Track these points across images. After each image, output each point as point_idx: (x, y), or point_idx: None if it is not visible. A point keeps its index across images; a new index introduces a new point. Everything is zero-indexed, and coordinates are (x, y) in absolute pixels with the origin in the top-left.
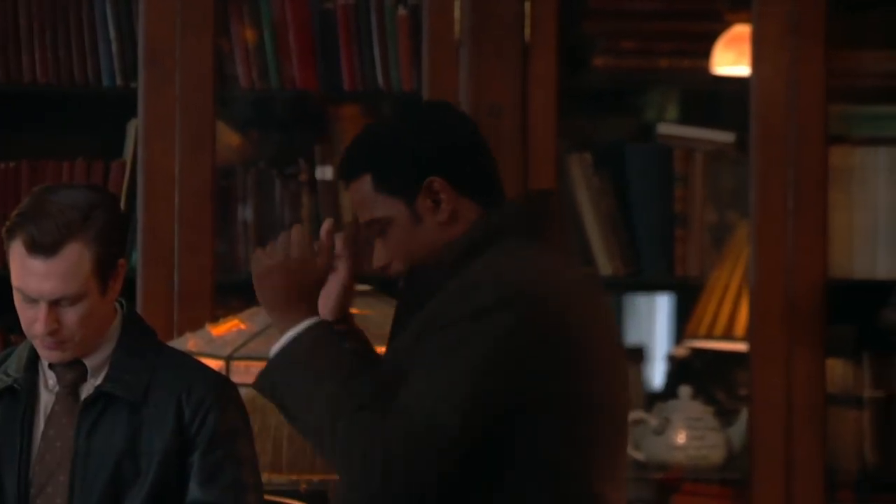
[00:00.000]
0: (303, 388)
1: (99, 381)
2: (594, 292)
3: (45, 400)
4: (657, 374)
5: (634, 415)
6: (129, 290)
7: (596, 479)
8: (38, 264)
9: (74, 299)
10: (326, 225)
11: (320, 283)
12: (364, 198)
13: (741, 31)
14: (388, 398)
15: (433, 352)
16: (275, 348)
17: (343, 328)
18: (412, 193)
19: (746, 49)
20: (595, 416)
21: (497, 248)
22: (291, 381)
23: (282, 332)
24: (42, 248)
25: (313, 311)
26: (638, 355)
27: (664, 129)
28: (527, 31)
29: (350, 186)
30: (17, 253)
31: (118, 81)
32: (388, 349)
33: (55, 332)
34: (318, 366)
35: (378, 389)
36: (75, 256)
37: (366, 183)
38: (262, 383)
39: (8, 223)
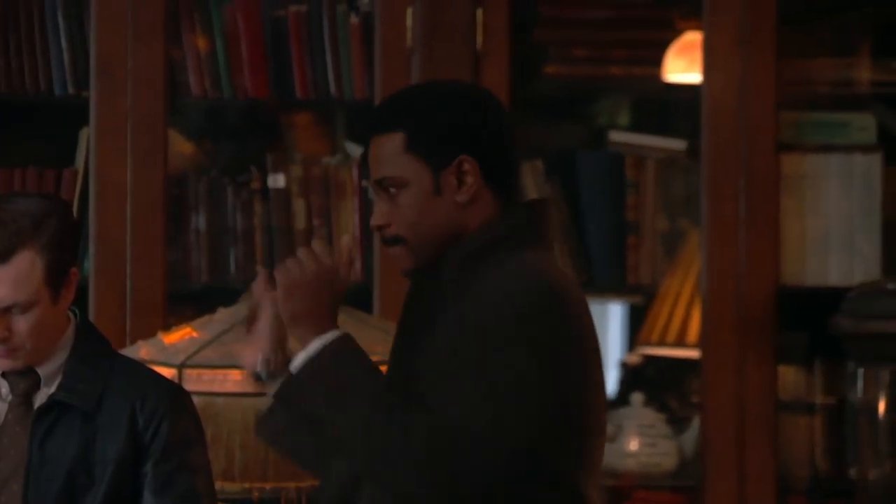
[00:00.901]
0: (339, 392)
1: (52, 389)
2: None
3: None
4: (609, 382)
5: None
6: (81, 299)
7: (584, 482)
8: None
9: (25, 307)
10: (347, 239)
11: (341, 295)
12: (389, 153)
13: (692, 39)
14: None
15: (481, 358)
16: (301, 358)
17: None
18: (441, 164)
19: (698, 57)
20: (593, 419)
21: (520, 251)
22: (326, 387)
23: (304, 344)
24: None
25: (334, 322)
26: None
27: (616, 136)
28: (479, 38)
29: (375, 139)
30: None
31: (70, 90)
32: (400, 351)
33: (6, 339)
34: (353, 371)
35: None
36: (27, 264)
37: (396, 139)
38: (290, 391)
39: None
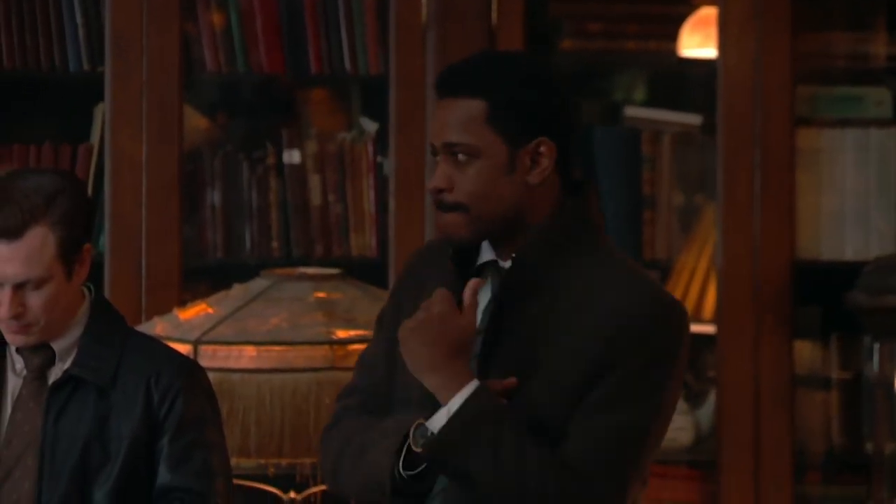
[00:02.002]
0: (485, 448)
1: (67, 365)
2: None
3: (13, 384)
4: None
5: None
6: (97, 275)
7: None
8: (2, 248)
9: (39, 283)
10: (472, 284)
11: (466, 340)
12: (465, 119)
13: (708, 14)
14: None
15: (621, 390)
16: (443, 415)
17: None
18: (520, 143)
19: (713, 32)
20: None
21: (605, 247)
22: (472, 445)
23: (436, 393)
24: (6, 232)
25: (466, 369)
26: None
27: (631, 111)
28: (493, 14)
29: (450, 101)
30: None
31: (85, 66)
32: (488, 350)
33: (20, 315)
34: (497, 426)
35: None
36: (39, 240)
37: (476, 107)
38: (438, 450)
39: None
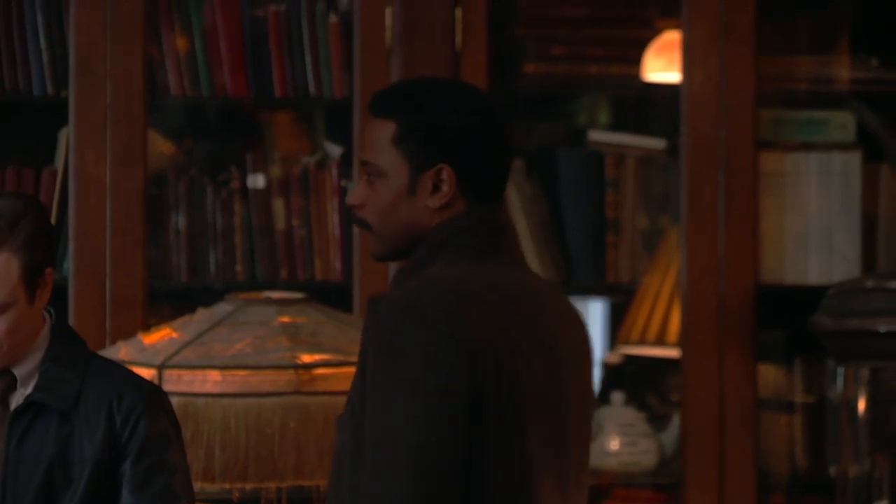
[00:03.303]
0: None
1: (28, 390)
2: (545, 299)
3: None
4: None
5: None
6: (61, 299)
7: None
8: None
9: (2, 308)
10: None
11: None
12: (377, 140)
13: (672, 38)
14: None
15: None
16: None
17: None
18: (422, 166)
19: (677, 56)
20: (533, 420)
21: (446, 264)
22: None
23: None
24: None
25: None
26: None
27: (595, 135)
28: (457, 37)
29: (371, 121)
30: None
31: (49, 89)
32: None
33: None
34: None
35: None
36: (2, 264)
37: (388, 128)
38: None
39: None
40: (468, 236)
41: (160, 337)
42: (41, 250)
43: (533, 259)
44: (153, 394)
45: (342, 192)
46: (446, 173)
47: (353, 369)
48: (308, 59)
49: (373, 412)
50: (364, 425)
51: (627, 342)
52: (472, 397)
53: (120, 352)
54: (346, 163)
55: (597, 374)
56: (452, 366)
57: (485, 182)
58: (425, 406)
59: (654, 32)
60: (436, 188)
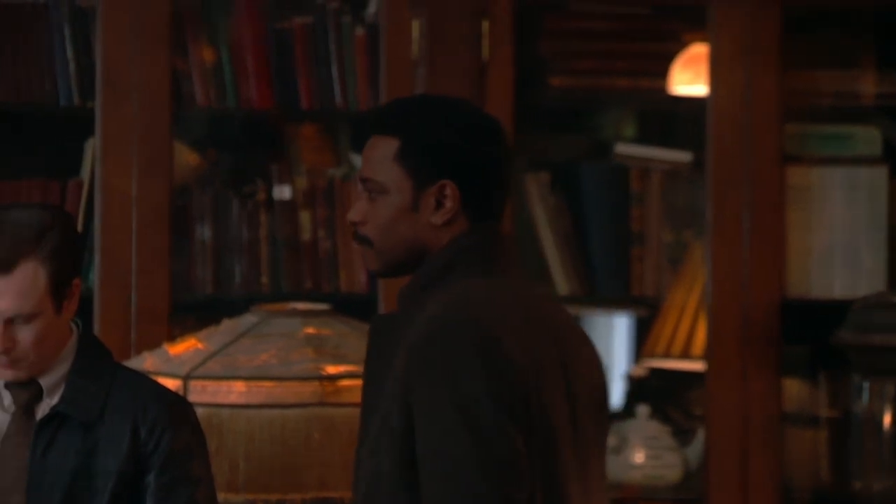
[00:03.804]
0: None
1: (54, 400)
2: (556, 316)
3: (0, 419)
4: (614, 394)
5: None
6: (86, 310)
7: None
8: None
9: (29, 317)
10: None
11: None
12: (379, 156)
13: (698, 52)
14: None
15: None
16: None
17: None
18: (425, 182)
19: (703, 69)
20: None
21: (461, 279)
22: None
23: None
24: None
25: None
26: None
27: (621, 148)
28: (484, 50)
29: (372, 138)
30: None
31: (75, 101)
32: (365, 395)
33: (9, 350)
34: None
35: None
36: (30, 274)
37: (390, 144)
38: None
39: None
40: (477, 254)
41: (185, 348)
42: (68, 261)
43: (557, 272)
44: (178, 405)
45: None
46: (450, 189)
47: None
48: (334, 71)
49: (437, 434)
50: (411, 447)
51: (652, 355)
52: (523, 411)
53: (145, 362)
54: None
55: (621, 388)
56: (510, 382)
57: (487, 199)
58: (495, 423)
59: (681, 45)
60: (438, 205)
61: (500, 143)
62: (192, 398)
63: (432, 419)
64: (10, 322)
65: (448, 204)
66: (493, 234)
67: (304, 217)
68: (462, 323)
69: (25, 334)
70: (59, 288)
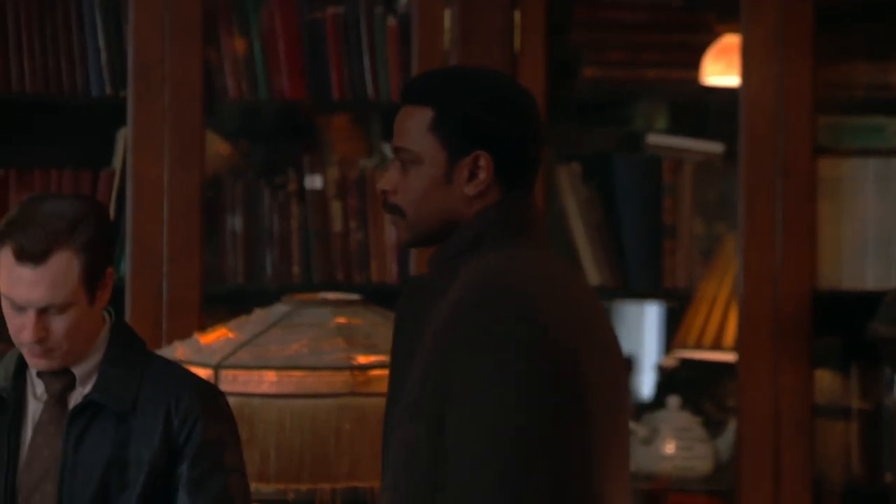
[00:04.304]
0: None
1: (87, 390)
2: (586, 292)
3: (33, 408)
4: (646, 385)
5: None
6: (117, 299)
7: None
8: (26, 272)
9: (62, 308)
10: None
11: None
12: (413, 126)
13: (730, 42)
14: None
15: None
16: None
17: None
18: (459, 154)
19: (735, 60)
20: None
21: (493, 250)
22: None
23: None
24: (31, 256)
25: None
26: (627, 365)
27: (653, 139)
28: (516, 41)
29: (405, 107)
30: (5, 261)
31: (107, 91)
32: (398, 362)
33: (43, 340)
34: None
35: None
36: (64, 265)
37: (425, 114)
38: None
39: None
40: (508, 225)
41: (216, 337)
42: (101, 251)
43: (589, 263)
44: (211, 395)
45: None
46: (483, 161)
47: None
48: (366, 61)
49: (480, 407)
50: (448, 417)
51: (684, 346)
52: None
53: (176, 351)
54: None
55: (652, 378)
56: (553, 359)
57: (519, 170)
58: (543, 401)
59: (713, 36)
60: (472, 175)
61: (534, 116)
62: (223, 387)
63: (472, 394)
64: (43, 312)
65: (482, 175)
66: (524, 205)
67: (336, 207)
68: (506, 292)
69: (59, 324)
70: (92, 278)
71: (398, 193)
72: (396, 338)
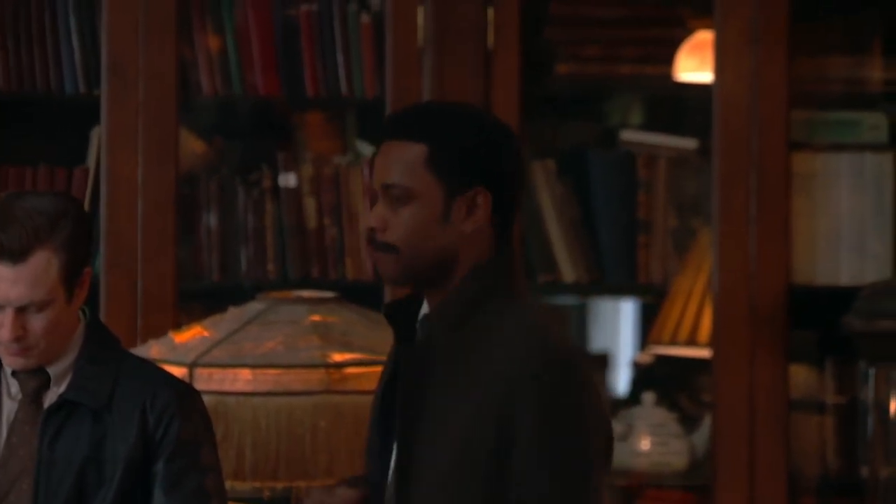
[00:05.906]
0: None
1: (62, 389)
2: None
3: (8, 408)
4: (621, 381)
5: None
6: (92, 298)
7: None
8: (5, 270)
9: (41, 306)
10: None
11: None
12: (406, 162)
13: (704, 38)
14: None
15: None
16: None
17: None
18: (458, 190)
19: (709, 56)
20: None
21: (495, 306)
22: None
23: None
24: (10, 253)
25: None
26: (602, 362)
27: (627, 135)
28: (490, 37)
29: (393, 143)
30: None
31: (81, 88)
32: (407, 430)
33: (21, 338)
34: None
35: None
36: (43, 263)
37: (418, 150)
38: None
39: None
40: (512, 275)
41: (191, 335)
42: (80, 249)
43: (564, 259)
44: (187, 394)
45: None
46: (482, 197)
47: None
48: (340, 58)
49: (551, 477)
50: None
51: (659, 342)
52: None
53: (151, 350)
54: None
55: (627, 375)
56: (604, 426)
57: (514, 205)
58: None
59: (687, 32)
60: (469, 212)
61: (520, 151)
62: (198, 386)
63: (546, 462)
64: (22, 310)
65: (479, 212)
66: (513, 253)
67: (310, 204)
68: (566, 359)
69: (37, 322)
70: (71, 276)
71: (389, 231)
72: (400, 398)
